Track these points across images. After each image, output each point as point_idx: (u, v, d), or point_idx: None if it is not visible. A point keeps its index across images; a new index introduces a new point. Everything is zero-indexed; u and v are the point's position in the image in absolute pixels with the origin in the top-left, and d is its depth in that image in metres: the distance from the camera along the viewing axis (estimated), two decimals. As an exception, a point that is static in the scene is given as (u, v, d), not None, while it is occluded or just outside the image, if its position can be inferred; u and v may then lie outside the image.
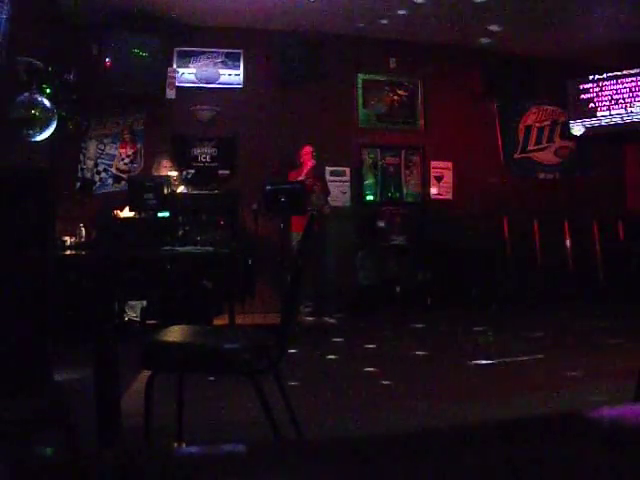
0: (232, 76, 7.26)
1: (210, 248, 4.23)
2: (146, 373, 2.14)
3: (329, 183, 7.08)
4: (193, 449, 0.43)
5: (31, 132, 5.01)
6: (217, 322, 5.32)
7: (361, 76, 7.63)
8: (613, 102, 7.44)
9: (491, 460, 0.40)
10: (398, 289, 6.88)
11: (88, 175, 6.90)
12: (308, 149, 6.46)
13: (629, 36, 6.90)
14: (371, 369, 4.26)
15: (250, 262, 5.54)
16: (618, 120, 7.41)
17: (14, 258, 1.66)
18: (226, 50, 7.23)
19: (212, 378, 3.50)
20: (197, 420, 2.75)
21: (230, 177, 7.12)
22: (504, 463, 0.39)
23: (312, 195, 6.29)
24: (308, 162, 6.39)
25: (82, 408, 2.11)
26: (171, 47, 7.03)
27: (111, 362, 2.08)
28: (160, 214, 5.16)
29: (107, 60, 6.55)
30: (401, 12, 6.71)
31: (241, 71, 7.27)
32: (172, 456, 0.46)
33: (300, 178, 6.30)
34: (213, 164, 7.14)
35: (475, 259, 7.22)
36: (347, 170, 7.42)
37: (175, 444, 2.34)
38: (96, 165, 6.96)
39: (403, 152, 7.75)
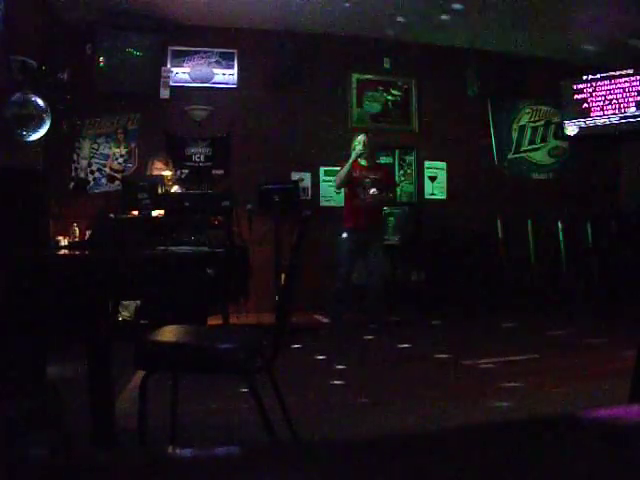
0: (226, 76, 7.25)
1: (205, 248, 4.22)
2: (140, 373, 2.13)
3: (324, 183, 7.08)
4: (187, 451, 0.42)
5: (25, 132, 4.99)
6: (211, 322, 5.32)
7: (355, 76, 7.63)
8: (607, 102, 7.47)
9: (490, 461, 0.40)
10: (391, 289, 6.87)
11: (82, 175, 6.88)
12: (360, 138, 6.03)
13: (623, 36, 6.93)
14: (365, 369, 4.27)
15: (244, 262, 5.54)
16: (612, 120, 7.43)
17: (8, 258, 1.66)
18: (220, 50, 7.22)
19: (206, 378, 3.50)
20: (191, 420, 2.74)
21: (224, 177, 7.11)
22: (502, 464, 0.39)
23: (358, 189, 5.90)
24: (354, 152, 5.95)
25: (76, 409, 2.10)
26: (165, 46, 7.01)
27: (105, 362, 2.07)
28: (154, 214, 5.15)
29: (101, 59, 6.53)
30: (395, 12, 6.72)
31: (235, 71, 7.27)
32: (166, 458, 0.45)
33: (343, 168, 5.89)
34: (207, 164, 7.13)
35: (469, 259, 7.24)
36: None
37: (169, 446, 2.33)
38: (90, 165, 6.94)
39: (397, 152, 7.76)
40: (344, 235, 5.93)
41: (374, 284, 5.93)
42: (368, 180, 5.89)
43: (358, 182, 5.90)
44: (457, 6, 6.51)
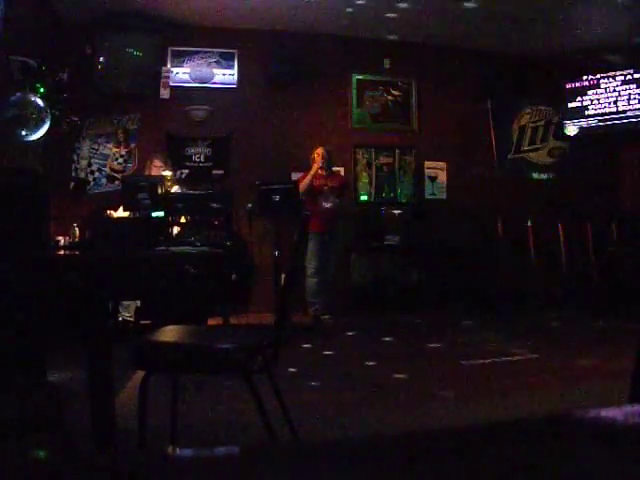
0: (226, 76, 7.25)
1: (205, 248, 4.21)
2: (140, 373, 2.13)
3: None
4: (187, 452, 0.42)
5: (24, 132, 4.99)
6: (211, 322, 5.32)
7: (355, 76, 7.63)
8: (607, 102, 7.46)
9: (490, 461, 0.40)
10: (392, 289, 6.88)
11: (82, 175, 6.88)
12: (319, 151, 6.37)
13: (623, 36, 6.93)
14: (365, 369, 4.27)
15: (244, 262, 5.54)
16: (612, 121, 7.43)
17: (9, 259, 1.66)
18: (220, 50, 7.22)
19: (206, 378, 3.49)
20: (191, 421, 2.74)
21: (224, 177, 7.11)
22: (503, 464, 0.39)
23: (320, 196, 6.27)
24: (315, 164, 6.31)
25: (76, 409, 2.10)
26: (165, 47, 7.01)
27: (105, 363, 2.07)
28: (154, 214, 5.14)
29: (101, 59, 6.53)
30: (395, 12, 6.72)
31: (235, 71, 7.27)
32: (166, 459, 0.45)
33: (306, 179, 6.26)
34: (207, 164, 7.13)
35: (469, 259, 7.23)
36: (341, 170, 7.41)
37: (169, 446, 2.33)
38: (90, 165, 6.94)
39: (397, 152, 7.76)
40: (310, 240, 6.17)
41: (330, 280, 6.35)
42: (327, 188, 6.32)
43: (319, 191, 6.31)
44: (457, 6, 6.51)
